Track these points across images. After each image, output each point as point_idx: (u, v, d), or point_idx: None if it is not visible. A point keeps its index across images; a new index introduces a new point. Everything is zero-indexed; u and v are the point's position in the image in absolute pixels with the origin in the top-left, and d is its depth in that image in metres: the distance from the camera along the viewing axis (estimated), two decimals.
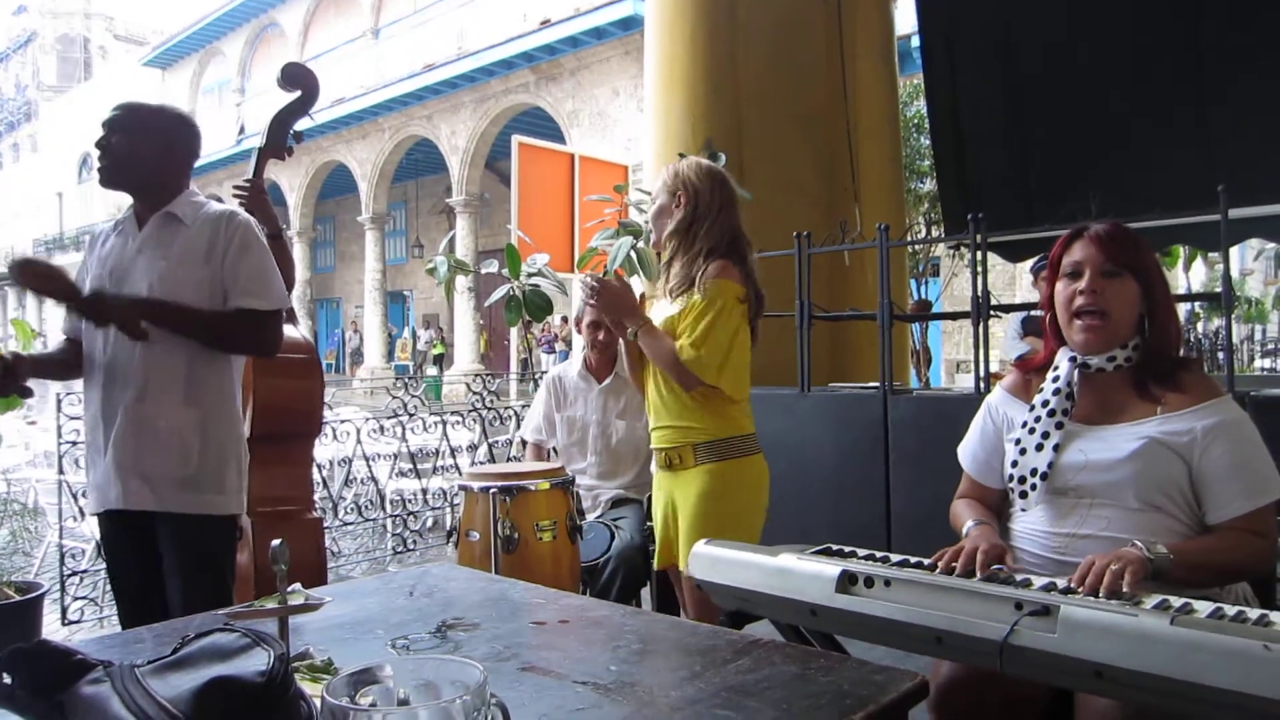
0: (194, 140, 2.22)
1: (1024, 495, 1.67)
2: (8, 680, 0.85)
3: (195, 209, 2.13)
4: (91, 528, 4.34)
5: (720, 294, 2.22)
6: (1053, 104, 4.44)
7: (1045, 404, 1.68)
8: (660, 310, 2.35)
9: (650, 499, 3.19)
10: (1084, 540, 1.58)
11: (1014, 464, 1.69)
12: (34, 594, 3.47)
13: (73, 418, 4.20)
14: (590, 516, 3.10)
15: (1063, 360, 1.70)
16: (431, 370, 20.06)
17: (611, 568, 2.85)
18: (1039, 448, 1.65)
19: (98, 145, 2.09)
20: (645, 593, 3.14)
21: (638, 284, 4.79)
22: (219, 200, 2.62)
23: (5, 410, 3.52)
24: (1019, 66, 4.50)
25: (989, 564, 1.51)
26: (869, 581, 1.51)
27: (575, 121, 15.45)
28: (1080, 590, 1.38)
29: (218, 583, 2.07)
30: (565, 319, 15.99)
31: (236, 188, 2.71)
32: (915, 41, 5.62)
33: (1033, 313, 4.74)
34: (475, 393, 5.94)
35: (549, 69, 15.85)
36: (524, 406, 6.08)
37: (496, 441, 6.10)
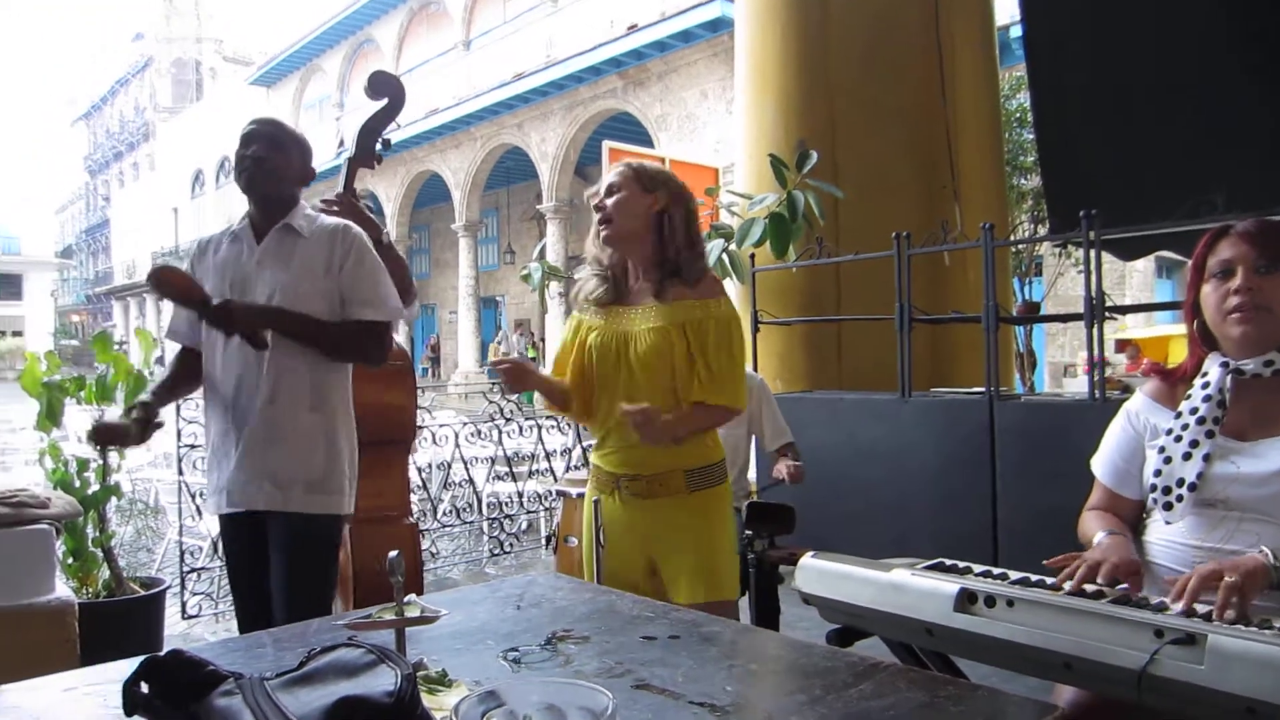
0: (310, 163, 2.34)
1: (1168, 507, 1.57)
2: (145, 689, 0.88)
3: (310, 221, 2.23)
4: (209, 526, 4.54)
5: (734, 314, 2.10)
6: (1167, 92, 4.21)
7: (1194, 411, 1.57)
8: (629, 319, 2.11)
9: (748, 506, 3.15)
10: (1229, 556, 1.48)
11: (1157, 473, 1.59)
12: (157, 589, 3.63)
13: (190, 421, 4.40)
14: None
15: (1213, 366, 1.59)
16: None
17: None
18: (1186, 457, 1.55)
19: (244, 154, 2.18)
20: (743, 602, 3.09)
21: (731, 288, 4.76)
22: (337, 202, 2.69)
23: None
24: (1129, 53, 4.28)
25: (1113, 579, 1.43)
26: (990, 600, 1.45)
27: (664, 125, 15.47)
28: (1179, 604, 1.30)
29: (321, 579, 2.16)
30: None
31: (325, 201, 2.66)
32: (1016, 32, 5.43)
33: None
34: None
35: (637, 74, 15.92)
36: None
37: (590, 445, 6.13)
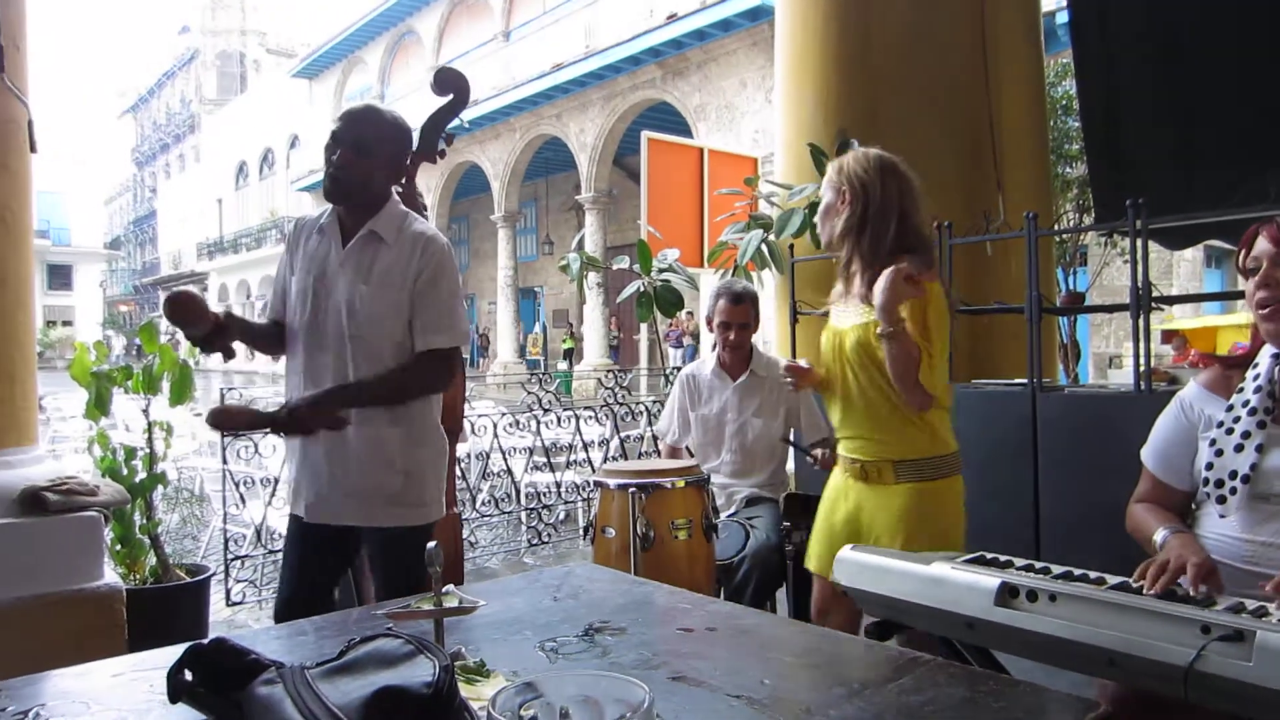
0: (410, 151, 2.28)
1: (1222, 500, 1.55)
2: (189, 676, 0.89)
3: (396, 225, 2.14)
4: (252, 514, 4.62)
5: (938, 299, 2.06)
6: (1217, 78, 4.09)
7: (1246, 403, 1.55)
8: (843, 316, 2.22)
9: (785, 498, 3.13)
10: None
11: (1209, 465, 1.57)
12: (202, 576, 3.70)
13: None
14: (724, 515, 3.07)
15: (1265, 356, 1.58)
16: (562, 365, 20.45)
17: (747, 568, 2.81)
18: (1239, 449, 1.53)
19: (328, 159, 2.10)
20: (780, 594, 3.08)
21: (770, 278, 4.73)
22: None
23: (177, 403, 3.78)
24: (1178, 38, 4.17)
25: (1201, 578, 1.40)
26: (1031, 595, 1.42)
27: (702, 115, 15.40)
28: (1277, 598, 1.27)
29: (415, 587, 2.11)
30: (691, 313, 15.98)
31: None
32: (1063, 18, 5.31)
33: None
34: (607, 388, 5.99)
35: (675, 64, 15.85)
36: (654, 402, 6.11)
37: (628, 436, 6.14)
